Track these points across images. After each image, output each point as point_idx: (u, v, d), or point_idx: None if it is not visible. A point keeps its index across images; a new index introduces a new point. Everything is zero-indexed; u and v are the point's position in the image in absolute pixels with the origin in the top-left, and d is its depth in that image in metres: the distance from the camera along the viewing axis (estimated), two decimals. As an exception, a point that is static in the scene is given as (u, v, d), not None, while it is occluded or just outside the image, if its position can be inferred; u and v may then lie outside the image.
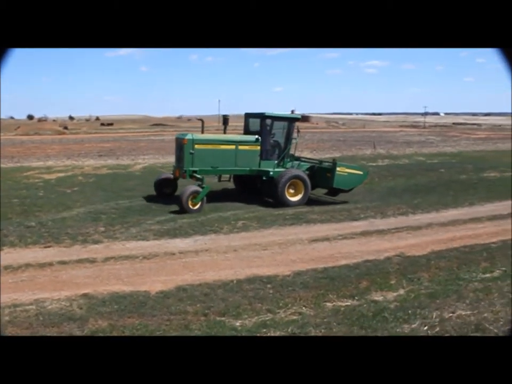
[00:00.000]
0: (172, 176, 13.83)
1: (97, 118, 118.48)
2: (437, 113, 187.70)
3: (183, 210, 11.66)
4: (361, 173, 14.29)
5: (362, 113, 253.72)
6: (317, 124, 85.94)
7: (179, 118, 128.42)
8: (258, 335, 4.85)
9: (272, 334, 5.10)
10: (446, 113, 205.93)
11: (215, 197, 13.41)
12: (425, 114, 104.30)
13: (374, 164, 22.28)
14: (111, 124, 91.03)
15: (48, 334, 5.07)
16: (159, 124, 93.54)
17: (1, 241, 8.84)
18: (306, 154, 15.64)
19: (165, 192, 13.69)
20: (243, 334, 5.07)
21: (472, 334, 5.02)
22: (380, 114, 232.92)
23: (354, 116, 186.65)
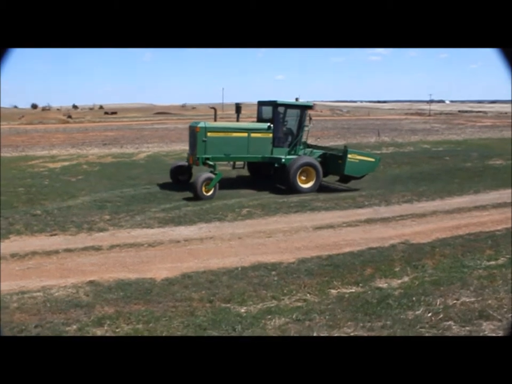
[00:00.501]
0: (186, 163, 14.04)
1: (101, 107, 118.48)
2: (442, 101, 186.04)
3: (197, 197, 11.86)
4: (373, 160, 14.20)
5: (366, 101, 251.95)
6: (321, 111, 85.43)
7: (183, 106, 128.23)
8: (258, 335, 4.85)
9: (277, 321, 5.14)
10: (451, 101, 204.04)
11: (227, 184, 13.50)
12: (431, 102, 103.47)
13: (378, 152, 22.13)
14: (115, 113, 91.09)
15: (56, 321, 5.14)
16: (163, 112, 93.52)
17: (5, 229, 8.92)
18: (310, 142, 15.61)
19: (180, 179, 13.97)
20: (248, 321, 5.11)
21: (475, 321, 5.05)
22: (384, 102, 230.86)
23: (358, 104, 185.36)
